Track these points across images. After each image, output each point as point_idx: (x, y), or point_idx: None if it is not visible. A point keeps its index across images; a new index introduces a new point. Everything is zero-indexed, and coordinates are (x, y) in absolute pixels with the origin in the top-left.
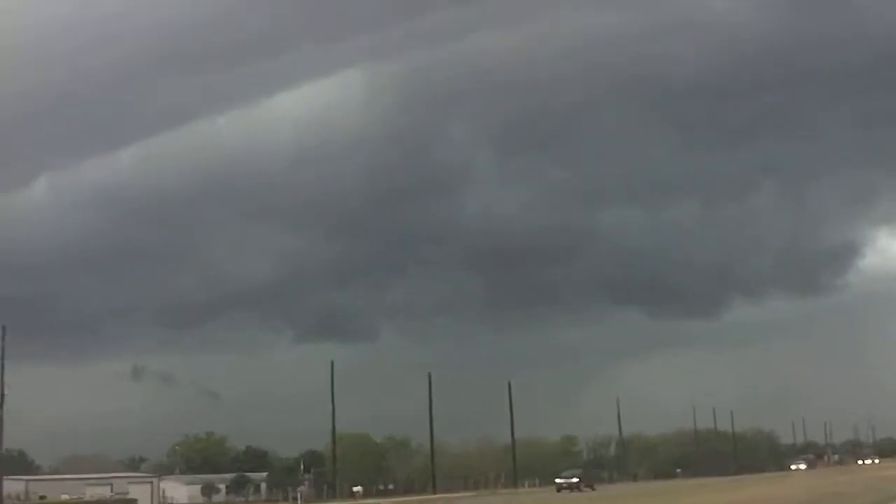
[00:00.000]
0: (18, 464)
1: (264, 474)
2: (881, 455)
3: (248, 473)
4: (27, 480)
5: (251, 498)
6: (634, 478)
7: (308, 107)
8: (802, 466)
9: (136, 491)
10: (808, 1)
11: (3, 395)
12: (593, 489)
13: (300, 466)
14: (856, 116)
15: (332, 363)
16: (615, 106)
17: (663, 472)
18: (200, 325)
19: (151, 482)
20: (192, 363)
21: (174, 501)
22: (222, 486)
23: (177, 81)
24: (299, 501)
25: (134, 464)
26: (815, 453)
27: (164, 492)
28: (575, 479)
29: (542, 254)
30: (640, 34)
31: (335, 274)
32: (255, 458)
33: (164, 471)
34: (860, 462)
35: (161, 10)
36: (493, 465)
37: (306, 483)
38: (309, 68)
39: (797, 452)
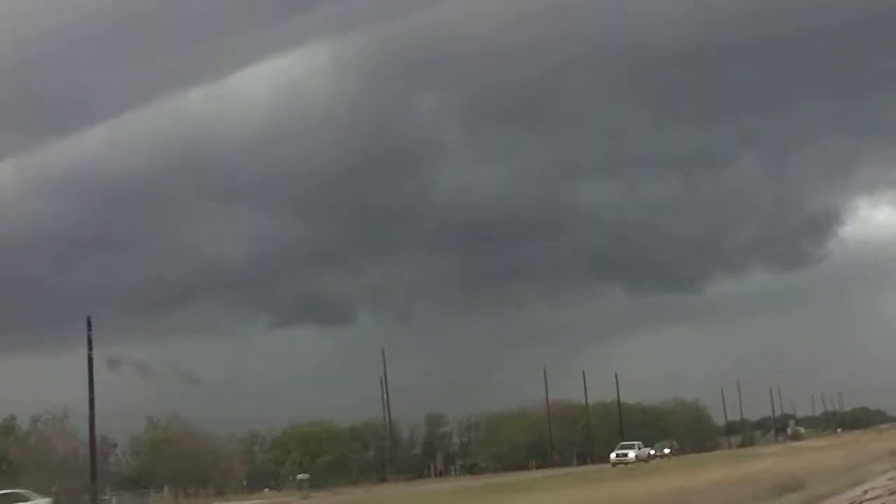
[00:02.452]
0: None
1: None
2: (854, 426)
3: None
4: None
5: None
6: (472, 469)
7: (275, 82)
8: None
9: None
10: None
11: None
12: None
13: None
14: (837, 84)
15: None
16: (588, 76)
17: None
18: (173, 309)
19: None
20: (165, 348)
21: None
22: None
23: (144, 57)
24: None
25: None
26: (780, 426)
27: None
28: None
29: (519, 230)
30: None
31: (308, 255)
32: None
33: None
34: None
35: None
36: None
37: None
38: (275, 41)
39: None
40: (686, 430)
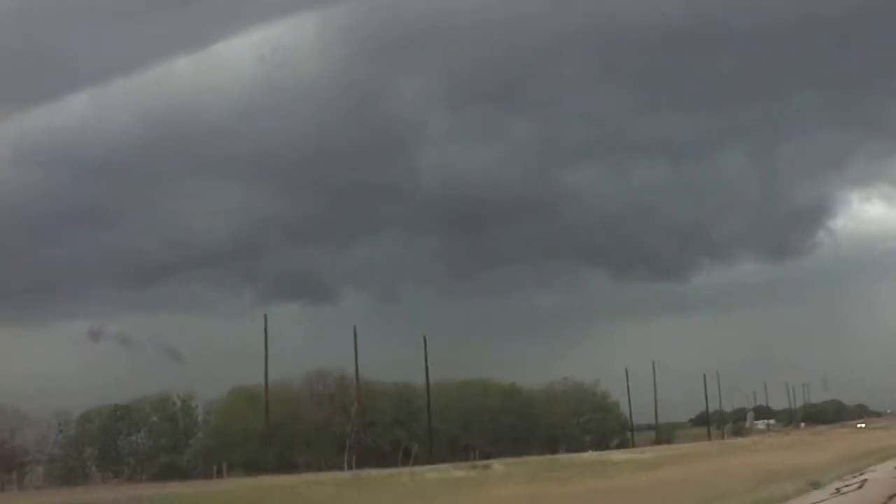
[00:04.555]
0: None
1: None
2: (823, 421)
3: None
4: None
5: None
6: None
7: (261, 52)
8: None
9: None
10: None
11: None
12: None
13: None
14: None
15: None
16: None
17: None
18: (156, 284)
19: None
20: (149, 323)
21: None
22: None
23: (127, 24)
24: None
25: None
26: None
27: None
28: None
29: (506, 214)
30: None
31: (293, 232)
32: None
33: None
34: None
35: None
36: None
37: None
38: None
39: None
40: (562, 422)
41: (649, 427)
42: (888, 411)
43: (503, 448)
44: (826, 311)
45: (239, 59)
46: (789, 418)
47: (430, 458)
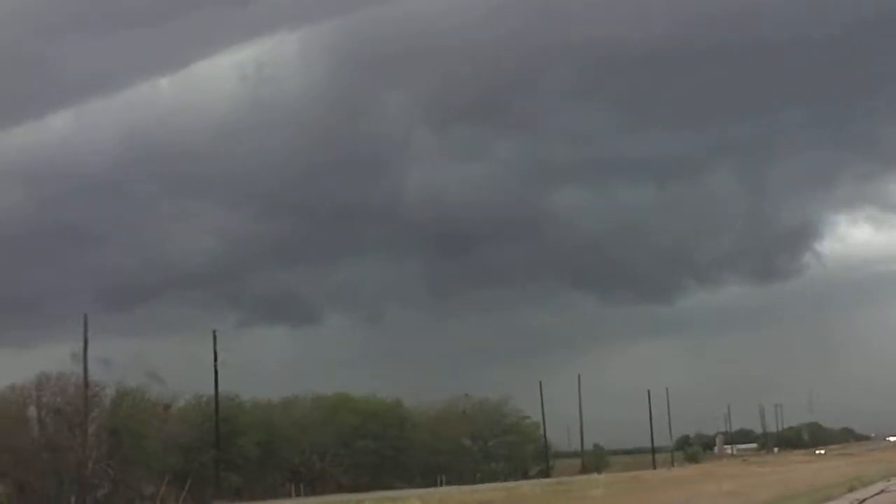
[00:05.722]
0: None
1: None
2: (799, 446)
3: None
4: None
5: None
6: None
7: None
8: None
9: None
10: None
11: None
12: None
13: None
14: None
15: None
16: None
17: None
18: (139, 307)
19: None
20: (131, 346)
21: None
22: None
23: (110, 41)
24: None
25: None
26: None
27: None
28: None
29: (490, 235)
30: None
31: (276, 254)
32: None
33: None
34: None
35: None
36: None
37: None
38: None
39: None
40: (454, 448)
41: (619, 452)
42: (873, 435)
43: (366, 479)
44: (811, 335)
45: (222, 77)
46: (765, 442)
47: (220, 493)
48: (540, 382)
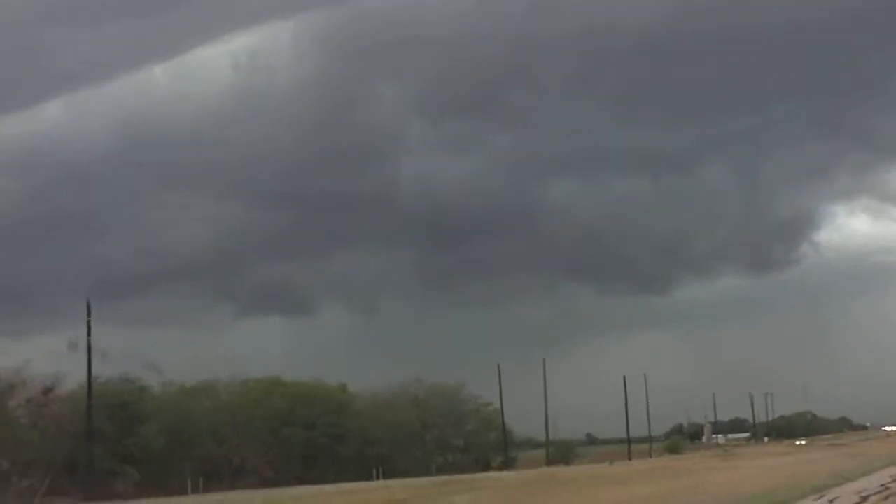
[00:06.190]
0: None
1: None
2: (791, 436)
3: None
4: None
5: None
6: None
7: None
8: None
9: None
10: None
11: None
12: None
13: None
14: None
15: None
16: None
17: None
18: (135, 297)
19: None
20: (128, 336)
21: None
22: None
23: (104, 30)
24: None
25: None
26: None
27: None
28: None
29: (485, 226)
30: None
31: (272, 244)
32: None
33: None
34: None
35: None
36: None
37: None
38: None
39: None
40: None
41: (614, 441)
42: (869, 424)
43: (295, 472)
44: (809, 325)
45: (215, 66)
46: (764, 431)
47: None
48: (498, 366)
